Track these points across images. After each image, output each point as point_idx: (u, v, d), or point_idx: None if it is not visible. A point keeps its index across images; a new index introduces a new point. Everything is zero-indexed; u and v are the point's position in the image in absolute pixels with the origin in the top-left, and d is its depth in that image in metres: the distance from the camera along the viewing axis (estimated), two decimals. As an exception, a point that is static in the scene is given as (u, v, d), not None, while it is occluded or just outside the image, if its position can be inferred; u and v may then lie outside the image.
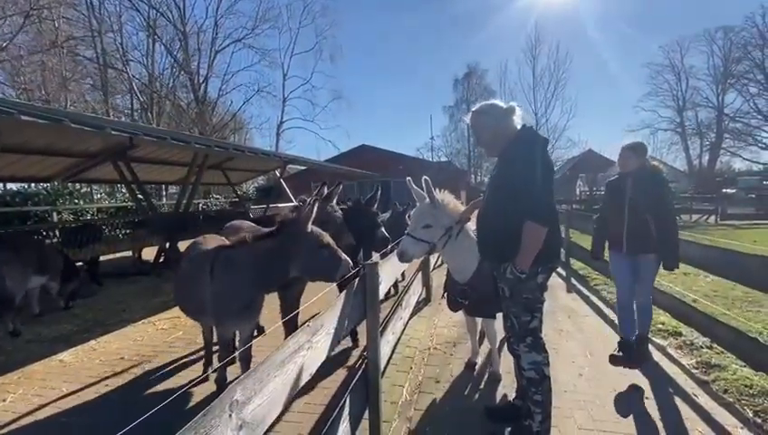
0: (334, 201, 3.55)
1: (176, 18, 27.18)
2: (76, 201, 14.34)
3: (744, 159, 33.21)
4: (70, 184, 14.32)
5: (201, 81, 28.90)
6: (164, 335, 4.54)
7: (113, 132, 3.75)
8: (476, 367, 3.41)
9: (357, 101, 76.17)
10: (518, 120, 2.27)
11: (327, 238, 2.52)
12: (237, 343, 3.31)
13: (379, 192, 4.18)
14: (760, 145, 31.50)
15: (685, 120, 37.11)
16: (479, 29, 61.87)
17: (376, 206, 4.07)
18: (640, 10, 53.31)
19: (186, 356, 3.91)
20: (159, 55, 27.93)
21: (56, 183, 12.76)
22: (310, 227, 2.55)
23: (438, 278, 6.72)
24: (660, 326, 4.17)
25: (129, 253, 9.77)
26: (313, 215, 2.60)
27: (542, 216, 2.02)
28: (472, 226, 2.92)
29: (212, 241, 3.17)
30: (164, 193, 19.79)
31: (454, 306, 3.19)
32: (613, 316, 4.65)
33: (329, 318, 1.79)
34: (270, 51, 35.79)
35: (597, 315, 4.76)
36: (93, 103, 23.05)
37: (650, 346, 3.79)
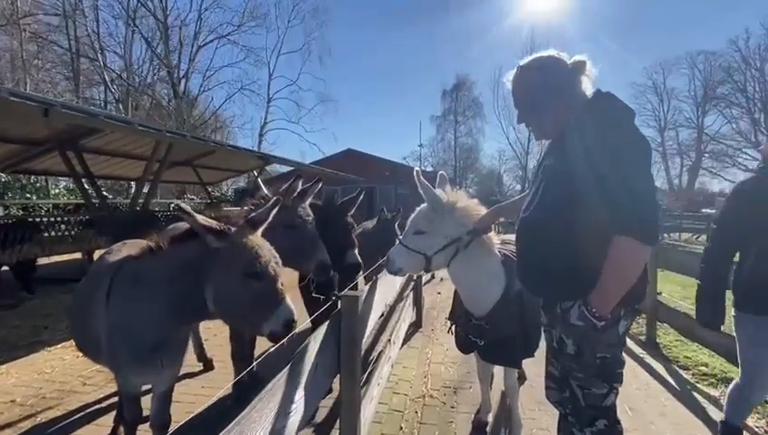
0: (307, 202, 2.64)
1: (156, 9, 25.92)
2: (28, 195, 13.01)
3: (724, 179, 33.82)
4: (22, 177, 13.06)
5: (181, 76, 27.59)
6: (82, 366, 3.52)
7: (12, 99, 2.79)
8: (488, 428, 2.56)
9: (344, 105, 75.40)
10: (588, 84, 1.45)
11: (267, 263, 1.52)
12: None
13: (362, 196, 3.26)
14: (740, 167, 32.08)
15: (666, 139, 37.80)
16: (470, 38, 62.40)
17: (353, 212, 3.06)
18: (625, 30, 54.74)
19: (100, 401, 2.93)
20: (138, 47, 26.58)
21: (3, 175, 11.51)
22: (246, 236, 1.57)
23: (430, 296, 5.87)
24: (704, 369, 3.43)
25: (79, 255, 8.61)
26: (267, 220, 1.70)
27: (649, 229, 1.21)
28: (496, 240, 2.11)
29: (128, 250, 2.25)
30: (131, 190, 18.40)
31: (465, 347, 2.35)
32: (641, 352, 3.90)
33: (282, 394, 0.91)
34: (256, 49, 34.24)
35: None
36: (62, 92, 21.50)
37: (699, 396, 3.07)
